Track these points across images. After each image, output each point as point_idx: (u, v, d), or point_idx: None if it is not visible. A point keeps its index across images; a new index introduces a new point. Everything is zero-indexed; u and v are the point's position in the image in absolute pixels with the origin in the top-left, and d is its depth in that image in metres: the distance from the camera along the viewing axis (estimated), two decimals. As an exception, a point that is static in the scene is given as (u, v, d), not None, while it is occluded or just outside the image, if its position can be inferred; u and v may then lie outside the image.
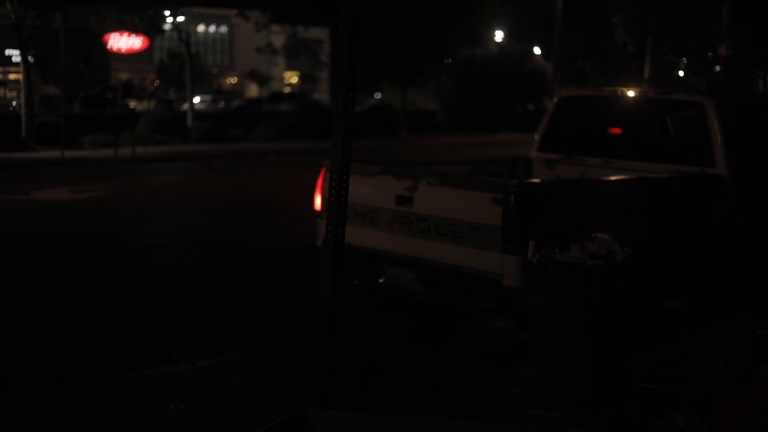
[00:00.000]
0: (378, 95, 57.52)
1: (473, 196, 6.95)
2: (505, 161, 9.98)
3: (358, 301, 8.56)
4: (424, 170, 7.91)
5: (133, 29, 39.65)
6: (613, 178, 7.95)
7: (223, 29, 76.38)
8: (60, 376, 7.18)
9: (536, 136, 9.65)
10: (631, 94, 9.25)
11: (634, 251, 6.15)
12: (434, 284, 7.35)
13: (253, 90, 73.52)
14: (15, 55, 38.81)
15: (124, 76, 55.77)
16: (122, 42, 40.84)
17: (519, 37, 52.21)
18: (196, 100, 46.99)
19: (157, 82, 51.36)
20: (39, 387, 6.89)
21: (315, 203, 8.30)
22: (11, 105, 42.90)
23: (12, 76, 50.06)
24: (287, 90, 69.45)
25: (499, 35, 52.81)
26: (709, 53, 38.83)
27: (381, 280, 7.77)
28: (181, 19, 42.37)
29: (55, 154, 29.19)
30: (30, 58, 32.76)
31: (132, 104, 45.13)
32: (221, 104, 56.00)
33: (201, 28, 74.00)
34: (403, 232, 7.41)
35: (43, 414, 6.38)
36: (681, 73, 50.86)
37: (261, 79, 69.68)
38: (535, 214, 6.72)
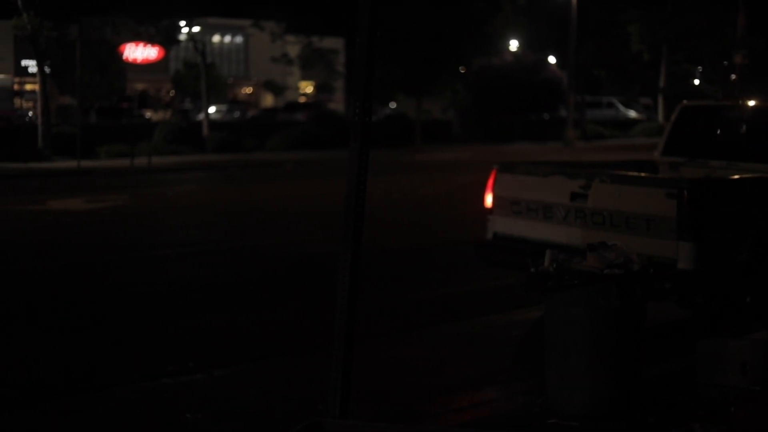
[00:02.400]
0: (393, 105, 57.54)
1: (648, 192, 7.83)
2: (633, 164, 10.49)
3: (530, 287, 9.06)
4: (597, 170, 8.76)
5: (149, 40, 39.82)
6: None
7: (239, 39, 76.49)
8: (76, 386, 7.20)
9: (659, 143, 10.50)
10: (751, 103, 10.18)
11: None
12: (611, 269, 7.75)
13: (268, 100, 73.58)
14: (31, 65, 39.08)
15: (139, 86, 55.97)
16: (138, 52, 40.96)
17: (534, 47, 52.20)
18: (212, 110, 47.11)
19: (172, 93, 51.63)
20: (55, 398, 6.90)
21: (485, 201, 9.08)
22: (28, 115, 43.10)
23: (28, 87, 50.33)
24: (302, 100, 69.39)
25: (513, 45, 52.81)
26: (725, 62, 38.78)
27: None
28: (196, 29, 42.47)
29: (72, 164, 29.33)
30: (46, 69, 32.94)
31: (148, 114, 45.27)
32: (236, 114, 56.06)
33: (216, 38, 74.12)
34: (578, 225, 8.27)
35: (60, 425, 6.39)
36: (696, 82, 50.76)
37: (276, 89, 69.68)
38: (704, 206, 7.64)
